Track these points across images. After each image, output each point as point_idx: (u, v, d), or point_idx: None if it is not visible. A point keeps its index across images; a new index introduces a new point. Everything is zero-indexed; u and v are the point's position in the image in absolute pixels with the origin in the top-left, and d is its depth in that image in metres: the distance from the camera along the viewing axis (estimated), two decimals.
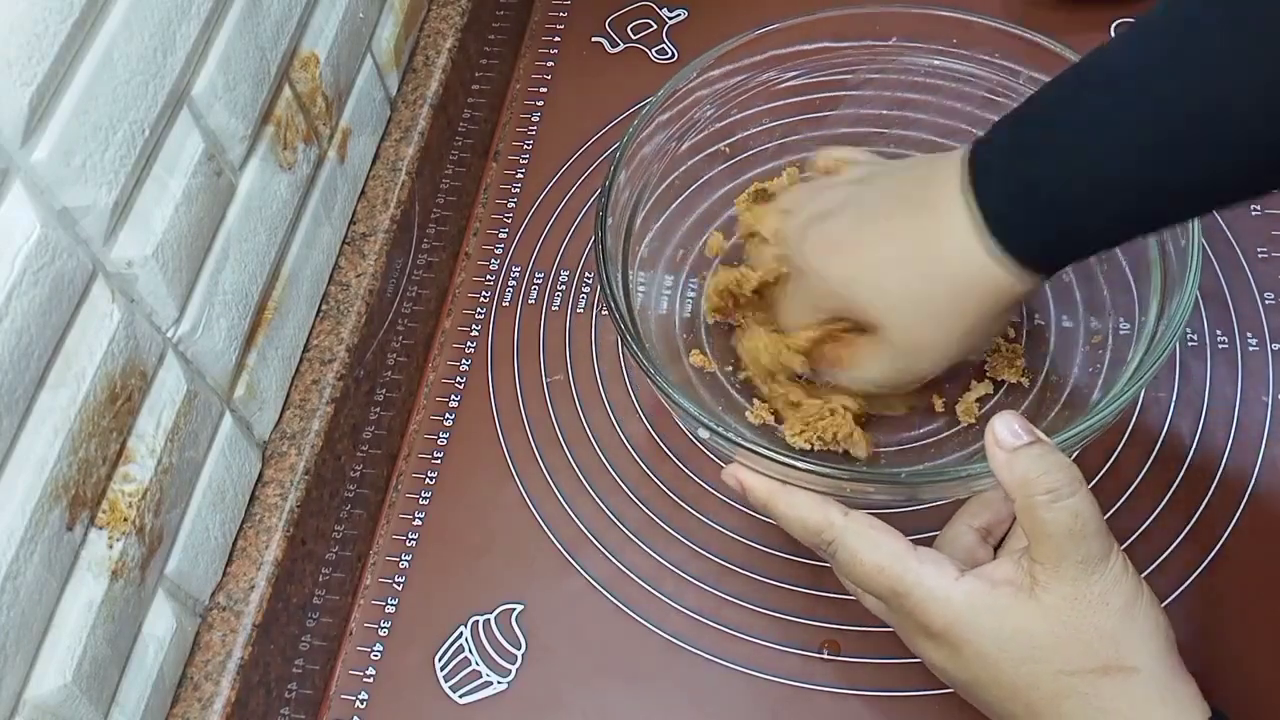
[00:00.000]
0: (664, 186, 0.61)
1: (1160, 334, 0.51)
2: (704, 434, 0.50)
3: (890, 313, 0.51)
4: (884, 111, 0.64)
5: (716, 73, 0.61)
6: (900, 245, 0.50)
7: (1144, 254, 0.55)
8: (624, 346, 0.53)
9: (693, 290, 0.63)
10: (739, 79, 0.62)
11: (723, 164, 0.64)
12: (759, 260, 0.56)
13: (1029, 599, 0.42)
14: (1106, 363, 0.56)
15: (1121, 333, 0.56)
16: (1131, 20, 0.72)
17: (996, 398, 0.58)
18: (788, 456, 0.48)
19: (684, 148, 0.62)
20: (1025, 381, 0.58)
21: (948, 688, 0.47)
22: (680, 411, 0.51)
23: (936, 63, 0.61)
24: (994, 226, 0.47)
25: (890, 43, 0.61)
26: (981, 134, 0.48)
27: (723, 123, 0.63)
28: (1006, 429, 0.44)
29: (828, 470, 0.47)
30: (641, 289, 0.61)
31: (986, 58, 0.60)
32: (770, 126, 0.64)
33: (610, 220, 0.56)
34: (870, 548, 0.45)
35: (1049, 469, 0.43)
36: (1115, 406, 0.48)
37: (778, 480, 0.48)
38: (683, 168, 0.62)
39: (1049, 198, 0.46)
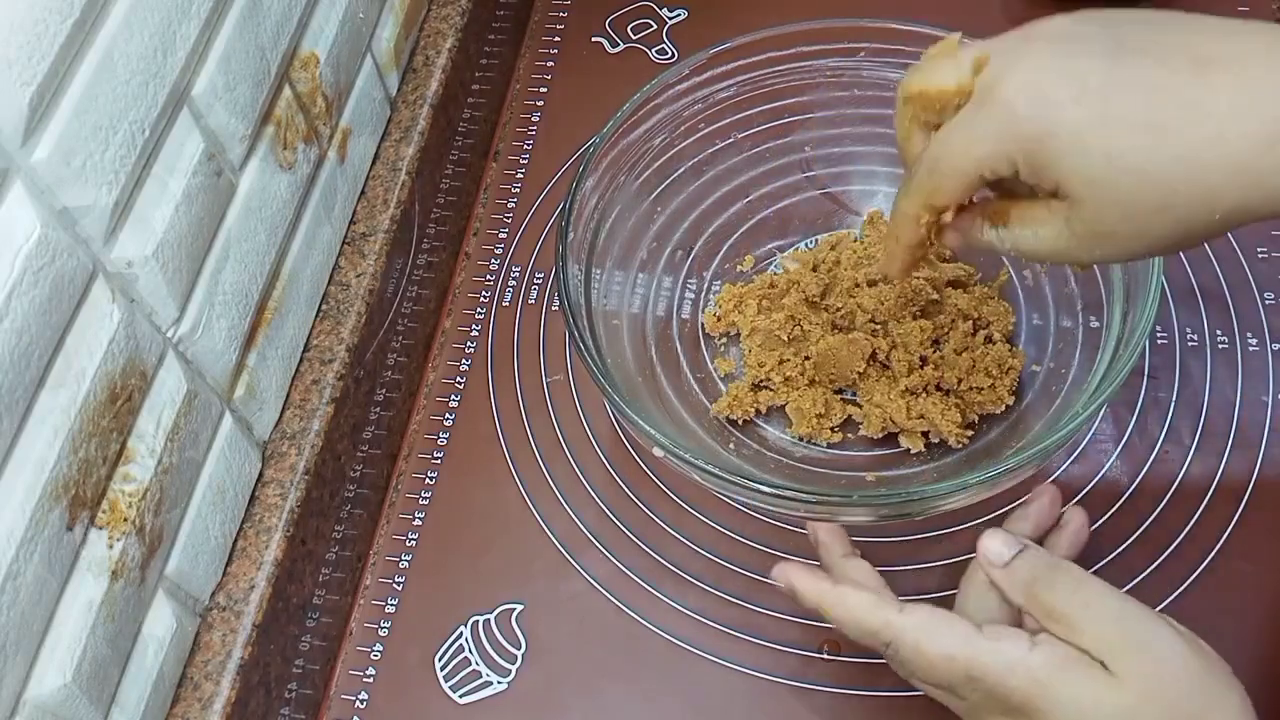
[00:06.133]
0: (637, 185, 0.62)
1: (1121, 349, 0.51)
2: (659, 452, 0.50)
3: (1097, 187, 0.39)
4: (851, 129, 0.64)
5: (684, 85, 0.61)
6: (1159, 107, 0.38)
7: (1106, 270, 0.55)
8: (586, 369, 0.53)
9: (665, 292, 0.64)
10: (714, 87, 0.62)
11: (696, 178, 0.64)
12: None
13: (1104, 670, 0.42)
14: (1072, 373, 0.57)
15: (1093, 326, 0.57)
16: None
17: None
18: (746, 479, 0.49)
19: (659, 152, 0.62)
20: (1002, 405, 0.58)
21: None
22: (636, 428, 0.51)
23: (894, 76, 0.61)
24: None
25: (859, 56, 0.61)
26: None
27: (694, 136, 0.63)
28: (997, 544, 0.46)
29: (780, 489, 0.48)
30: (645, 290, 0.61)
31: None
32: (740, 138, 0.64)
33: (573, 234, 0.56)
34: (934, 639, 0.44)
35: (1043, 570, 0.45)
36: (1075, 425, 0.48)
37: (827, 583, 0.47)
38: (656, 172, 0.63)
39: None
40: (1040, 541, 0.51)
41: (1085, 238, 0.40)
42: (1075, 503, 0.57)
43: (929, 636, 0.44)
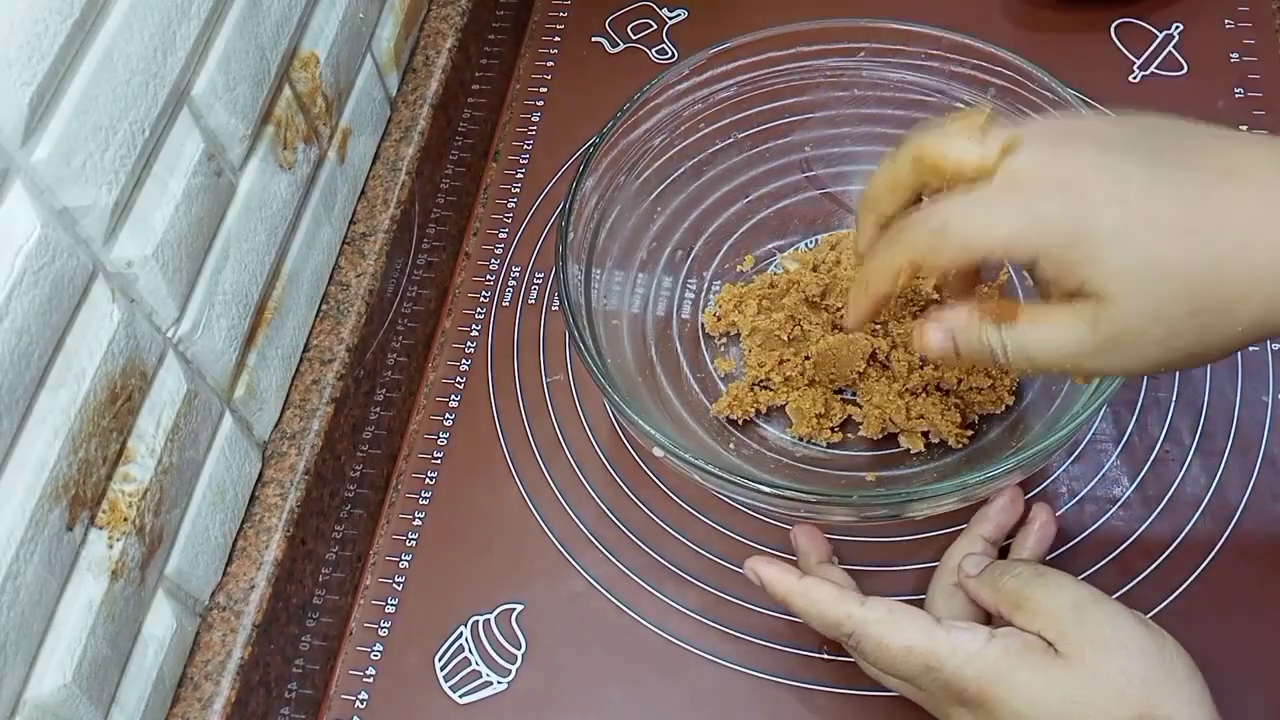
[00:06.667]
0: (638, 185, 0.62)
1: None
2: (659, 452, 0.51)
3: (1132, 287, 0.38)
4: (851, 129, 0.64)
5: (684, 85, 0.61)
6: (1192, 213, 0.38)
7: None
8: (586, 369, 0.53)
9: (666, 291, 0.64)
10: (714, 87, 0.62)
11: (696, 178, 0.65)
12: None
13: (1056, 655, 0.43)
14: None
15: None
16: (1132, 21, 0.72)
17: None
18: (746, 479, 0.49)
19: (659, 152, 0.62)
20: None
21: None
22: (636, 428, 0.51)
23: (894, 76, 0.62)
24: None
25: (859, 56, 0.61)
26: None
27: (696, 134, 0.63)
28: (971, 564, 0.49)
29: (781, 489, 0.49)
30: (645, 290, 0.61)
31: (958, 69, 0.60)
32: (740, 138, 0.64)
33: (573, 234, 0.56)
34: (894, 631, 0.45)
35: (1011, 574, 0.47)
36: (1075, 425, 0.49)
37: (794, 575, 0.49)
38: (656, 171, 0.63)
39: None
40: (1007, 540, 0.53)
41: (1108, 340, 0.39)
42: (1074, 503, 0.57)
43: (890, 629, 0.46)
